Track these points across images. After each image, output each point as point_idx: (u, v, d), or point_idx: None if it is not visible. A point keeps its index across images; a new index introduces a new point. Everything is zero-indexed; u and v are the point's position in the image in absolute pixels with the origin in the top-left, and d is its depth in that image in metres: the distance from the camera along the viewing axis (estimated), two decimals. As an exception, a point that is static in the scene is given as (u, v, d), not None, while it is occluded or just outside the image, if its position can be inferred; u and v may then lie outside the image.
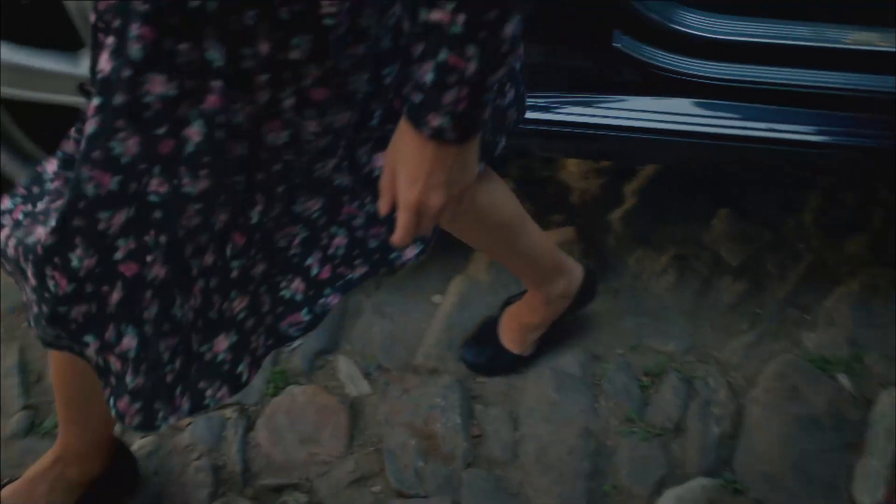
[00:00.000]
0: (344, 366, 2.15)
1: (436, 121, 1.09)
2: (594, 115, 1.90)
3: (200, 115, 1.19)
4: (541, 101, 1.91)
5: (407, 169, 1.16)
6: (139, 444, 2.03)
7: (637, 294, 2.23)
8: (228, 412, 2.07)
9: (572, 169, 2.55)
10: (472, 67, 1.04)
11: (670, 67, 1.81)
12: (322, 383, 2.12)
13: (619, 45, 1.77)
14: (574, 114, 1.90)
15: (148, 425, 1.47)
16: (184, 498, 1.93)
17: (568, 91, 1.90)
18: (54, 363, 1.65)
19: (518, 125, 1.68)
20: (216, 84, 1.17)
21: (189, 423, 2.06)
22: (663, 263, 2.28)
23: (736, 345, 2.14)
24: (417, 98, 1.08)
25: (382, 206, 1.24)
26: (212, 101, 1.18)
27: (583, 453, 1.95)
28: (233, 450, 2.00)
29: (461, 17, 1.02)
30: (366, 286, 2.30)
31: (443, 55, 1.04)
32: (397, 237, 1.23)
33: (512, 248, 1.91)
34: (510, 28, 1.04)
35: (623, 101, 1.88)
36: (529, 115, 1.89)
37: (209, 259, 1.36)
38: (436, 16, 1.03)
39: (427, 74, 1.06)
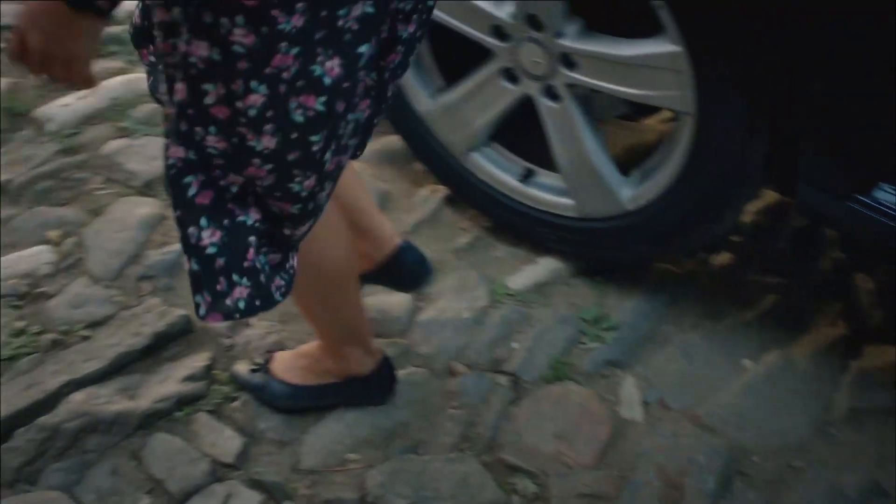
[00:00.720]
0: (628, 386, 2.20)
1: None
2: None
3: None
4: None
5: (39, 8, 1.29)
6: (409, 371, 2.19)
7: (956, 450, 2.14)
8: (502, 379, 2.19)
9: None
10: None
11: None
12: (600, 392, 2.18)
13: None
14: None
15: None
16: (427, 436, 2.07)
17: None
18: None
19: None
20: None
21: (463, 374, 2.19)
22: None
23: None
24: None
25: None
26: None
27: (823, 578, 1.91)
28: (490, 415, 2.12)
29: None
30: (682, 323, 2.33)
31: None
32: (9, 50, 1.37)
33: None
34: None
35: None
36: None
37: None
38: None
39: None
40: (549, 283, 2.42)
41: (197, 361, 2.19)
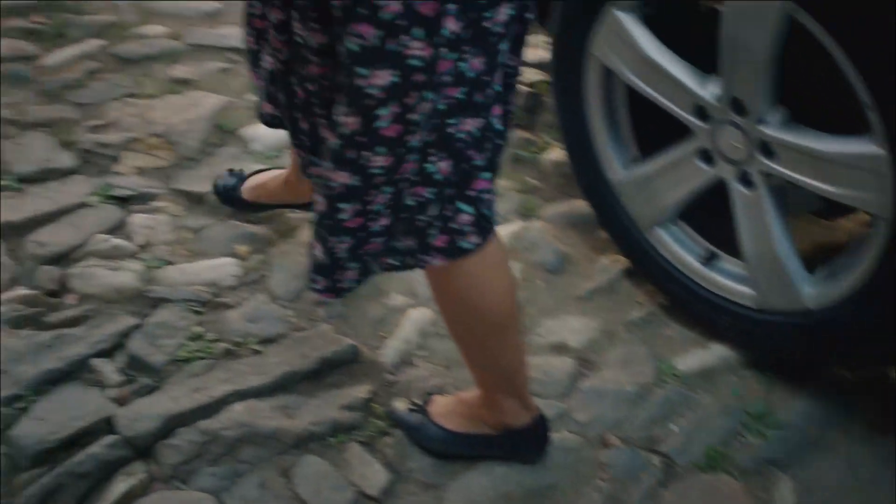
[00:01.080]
0: (783, 488, 2.15)
1: None
2: None
3: None
4: None
5: None
6: (563, 435, 2.20)
7: None
8: (655, 459, 2.18)
9: None
10: None
11: None
12: (753, 489, 2.14)
13: None
14: None
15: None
16: (570, 502, 2.08)
17: None
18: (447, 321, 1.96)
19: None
20: None
21: (616, 447, 2.19)
22: None
23: None
24: None
25: None
26: None
27: None
28: (637, 492, 2.10)
29: None
30: (850, 432, 2.27)
31: None
32: None
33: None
34: None
35: None
36: None
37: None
38: None
39: None
40: (718, 369, 2.40)
41: (358, 392, 2.26)
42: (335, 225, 1.64)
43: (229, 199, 2.76)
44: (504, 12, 1.49)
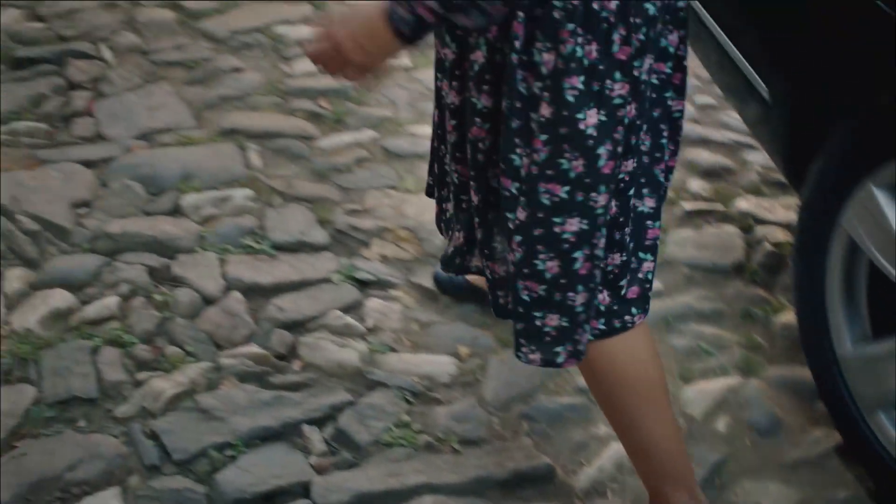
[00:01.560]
0: None
1: (405, 15, 1.54)
2: None
3: None
4: None
5: (357, 24, 1.62)
6: None
7: None
8: None
9: None
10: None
11: None
12: None
13: None
14: None
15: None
16: None
17: None
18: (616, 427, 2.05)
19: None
20: None
21: None
22: None
23: None
24: None
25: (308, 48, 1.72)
26: None
27: None
28: None
29: None
30: None
31: None
32: (309, 49, 1.71)
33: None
34: None
35: None
36: None
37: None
38: None
39: None
40: (918, 570, 2.30)
41: (544, 511, 2.29)
42: (570, 281, 1.74)
43: (450, 287, 2.89)
44: (648, 62, 1.63)
